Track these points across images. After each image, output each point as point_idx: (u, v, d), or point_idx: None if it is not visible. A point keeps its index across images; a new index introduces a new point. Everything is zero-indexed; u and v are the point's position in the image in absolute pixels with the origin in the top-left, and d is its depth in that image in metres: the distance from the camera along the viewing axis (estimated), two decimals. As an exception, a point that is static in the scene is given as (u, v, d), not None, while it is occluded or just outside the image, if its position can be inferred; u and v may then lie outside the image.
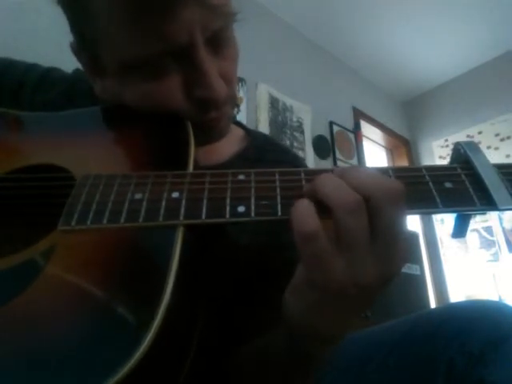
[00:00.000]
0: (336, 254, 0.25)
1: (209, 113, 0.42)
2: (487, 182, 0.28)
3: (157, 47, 0.36)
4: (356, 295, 0.26)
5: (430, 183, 0.29)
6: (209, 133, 0.44)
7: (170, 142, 0.39)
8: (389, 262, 0.26)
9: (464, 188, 0.29)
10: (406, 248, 0.27)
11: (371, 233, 0.25)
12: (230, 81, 0.43)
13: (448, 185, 0.29)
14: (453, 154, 0.33)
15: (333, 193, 0.26)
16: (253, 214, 0.29)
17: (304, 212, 0.26)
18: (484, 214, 0.29)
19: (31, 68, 0.56)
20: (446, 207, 0.28)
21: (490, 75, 2.91)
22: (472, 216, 0.30)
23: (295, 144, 2.30)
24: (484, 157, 0.30)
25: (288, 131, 2.29)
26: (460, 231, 0.31)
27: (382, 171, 0.30)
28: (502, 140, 2.73)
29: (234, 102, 0.47)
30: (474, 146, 0.31)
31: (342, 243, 0.25)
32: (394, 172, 0.30)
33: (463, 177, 0.30)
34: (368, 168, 0.29)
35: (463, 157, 0.31)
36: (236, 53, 0.45)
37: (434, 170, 0.31)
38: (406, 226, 0.26)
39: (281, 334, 0.34)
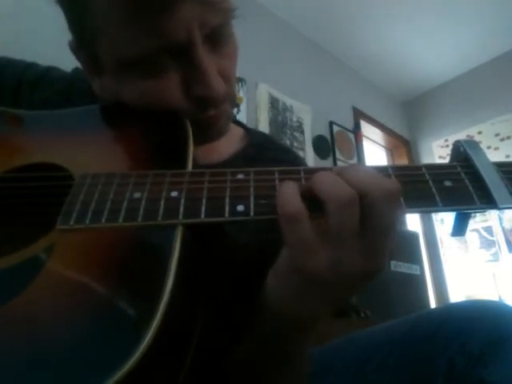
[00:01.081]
0: (322, 242, 0.26)
1: (207, 111, 0.42)
2: (487, 180, 0.28)
3: (155, 45, 0.36)
4: (337, 284, 0.27)
5: (430, 182, 0.29)
6: (208, 131, 0.44)
7: (169, 141, 0.39)
8: (374, 258, 0.26)
9: (464, 186, 0.29)
10: (392, 247, 0.27)
11: (362, 228, 0.26)
12: (229, 79, 0.43)
13: (448, 183, 0.29)
14: (452, 152, 0.33)
15: (328, 187, 0.26)
16: (252, 213, 0.29)
17: (288, 193, 0.26)
18: (484, 212, 0.29)
19: (30, 67, 0.56)
20: (446, 206, 0.28)
21: (489, 75, 2.91)
22: (471, 215, 0.30)
23: (295, 144, 2.30)
24: (484, 155, 0.30)
25: (288, 131, 2.29)
26: (459, 230, 0.31)
27: (382, 170, 0.30)
28: (502, 140, 2.73)
29: (233, 101, 0.47)
30: (473, 145, 0.31)
31: (331, 235, 0.26)
32: (393, 170, 0.30)
33: (463, 175, 0.30)
34: (367, 167, 0.29)
35: (463, 155, 0.31)
36: (235, 50, 0.45)
37: (433, 168, 0.31)
38: (398, 226, 0.27)
39: (265, 323, 0.34)
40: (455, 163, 0.31)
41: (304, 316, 0.30)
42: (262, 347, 0.36)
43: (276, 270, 0.29)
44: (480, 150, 0.31)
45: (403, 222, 2.20)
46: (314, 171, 0.30)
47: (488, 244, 2.64)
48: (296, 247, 0.26)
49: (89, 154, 0.38)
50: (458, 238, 2.81)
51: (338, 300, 0.30)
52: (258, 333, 0.35)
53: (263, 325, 0.34)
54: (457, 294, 2.72)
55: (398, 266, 1.72)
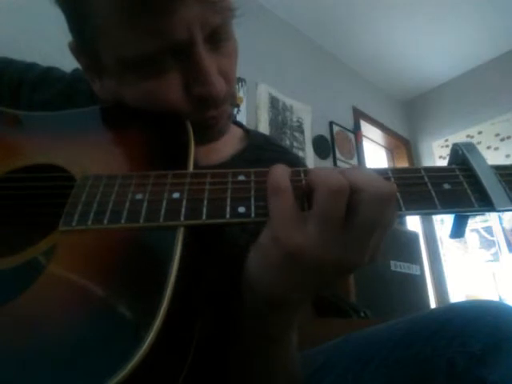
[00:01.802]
0: (304, 220, 0.27)
1: (208, 111, 0.42)
2: (485, 183, 0.29)
3: (156, 44, 0.36)
4: (311, 267, 0.27)
5: (429, 184, 0.30)
6: (208, 131, 0.44)
7: (170, 142, 0.39)
8: (352, 253, 0.27)
9: (462, 189, 0.30)
10: (378, 249, 0.28)
11: (347, 222, 0.27)
12: (230, 78, 0.43)
13: (446, 186, 0.30)
14: (451, 154, 0.33)
15: (320, 177, 0.27)
16: (253, 215, 0.29)
17: (278, 171, 0.29)
18: (482, 214, 0.29)
19: (30, 67, 0.56)
20: (445, 208, 0.29)
21: (490, 75, 2.91)
22: (470, 217, 0.30)
23: (295, 144, 2.30)
24: (482, 158, 0.31)
25: (288, 131, 2.29)
26: (458, 232, 0.31)
27: (382, 172, 0.30)
28: (502, 140, 2.73)
29: (234, 101, 0.47)
30: (471, 147, 0.32)
31: (315, 217, 0.27)
32: (393, 173, 0.31)
33: (461, 178, 0.30)
34: (367, 168, 0.29)
35: (461, 158, 0.32)
36: (235, 50, 0.45)
37: (432, 171, 0.31)
38: (386, 228, 0.28)
39: (246, 302, 0.34)
40: (454, 166, 0.31)
41: (278, 293, 0.30)
42: (245, 330, 0.36)
43: (257, 243, 0.30)
44: (478, 152, 0.31)
45: (402, 223, 2.20)
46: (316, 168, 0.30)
47: (488, 244, 2.64)
48: (278, 218, 0.27)
49: (90, 156, 0.38)
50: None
51: (312, 286, 0.30)
52: (241, 314, 0.35)
53: (244, 304, 0.34)
54: (457, 294, 2.72)
55: (398, 266, 1.72)
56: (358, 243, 0.27)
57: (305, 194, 0.29)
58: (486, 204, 0.28)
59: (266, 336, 0.35)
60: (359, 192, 0.26)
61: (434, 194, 0.29)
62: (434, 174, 0.31)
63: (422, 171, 0.31)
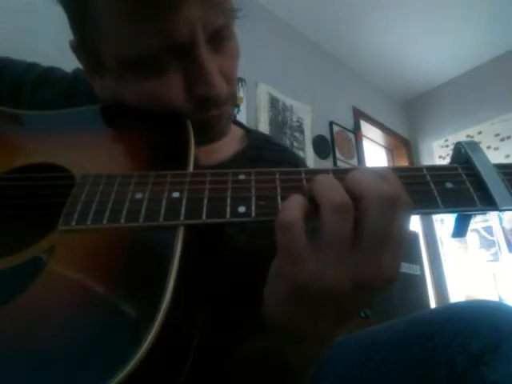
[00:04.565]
0: (311, 253, 0.26)
1: (209, 111, 0.42)
2: (488, 182, 0.28)
3: (157, 44, 0.36)
4: (323, 297, 0.26)
5: (431, 183, 0.29)
6: (209, 132, 0.44)
7: (171, 142, 0.39)
8: (368, 268, 0.25)
9: (465, 188, 0.29)
10: (395, 261, 0.26)
11: (358, 235, 0.25)
12: (231, 79, 0.43)
13: (449, 185, 0.29)
14: (453, 153, 0.33)
15: (324, 191, 0.26)
16: (253, 215, 0.29)
17: (289, 204, 0.27)
18: (484, 214, 0.29)
19: (31, 67, 0.56)
20: (447, 207, 0.28)
21: (489, 75, 2.91)
22: (472, 216, 0.30)
23: (295, 144, 2.30)
24: (485, 157, 0.30)
25: (288, 131, 2.29)
26: (460, 231, 0.31)
27: (383, 172, 0.30)
28: (502, 140, 2.73)
29: (235, 101, 0.47)
30: (474, 146, 0.31)
31: (322, 241, 0.25)
32: (394, 172, 0.30)
33: (464, 177, 0.30)
34: (369, 170, 0.28)
35: (464, 156, 0.31)
36: (237, 51, 0.45)
37: (434, 169, 0.31)
38: (400, 236, 0.26)
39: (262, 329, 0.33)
40: (456, 165, 0.31)
41: (291, 327, 0.29)
42: (259, 354, 0.35)
43: (269, 273, 0.29)
44: (481, 151, 0.31)
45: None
46: (314, 172, 0.30)
47: (488, 244, 2.64)
48: (284, 254, 0.26)
49: (90, 155, 0.38)
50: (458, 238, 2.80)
51: (334, 316, 0.29)
52: (257, 339, 0.35)
53: (261, 331, 0.34)
54: (457, 294, 2.72)
55: (398, 266, 1.72)
56: (372, 255, 0.25)
57: (309, 210, 0.27)
58: (488, 203, 0.28)
59: (283, 368, 0.34)
60: (362, 199, 0.25)
61: (436, 193, 0.29)
62: (436, 173, 0.30)
63: (425, 170, 0.30)
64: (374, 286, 0.26)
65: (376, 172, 0.28)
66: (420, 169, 0.31)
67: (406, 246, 1.85)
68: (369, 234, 0.25)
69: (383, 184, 0.26)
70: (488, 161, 0.30)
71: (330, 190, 0.26)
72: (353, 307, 0.28)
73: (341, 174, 0.29)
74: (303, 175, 0.30)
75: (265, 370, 0.36)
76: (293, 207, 0.26)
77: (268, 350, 0.34)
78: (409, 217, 0.27)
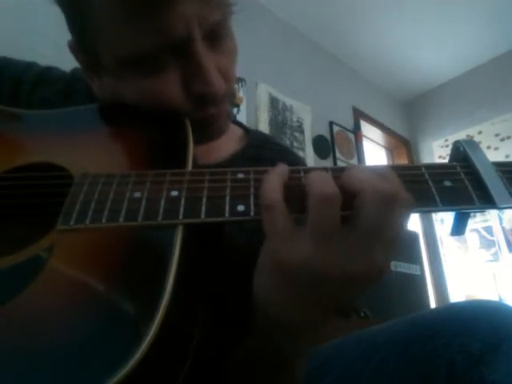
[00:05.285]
0: (299, 235, 0.26)
1: (207, 109, 0.42)
2: (486, 180, 0.28)
3: (154, 42, 0.36)
4: (314, 282, 0.26)
5: (430, 181, 0.29)
6: (207, 130, 0.44)
7: (169, 141, 0.39)
8: (362, 260, 0.25)
9: (463, 186, 0.29)
10: (386, 257, 0.26)
11: (352, 228, 0.25)
12: (229, 77, 0.43)
13: (447, 183, 0.29)
14: (452, 151, 0.33)
15: (313, 182, 0.26)
16: (252, 213, 0.29)
17: (269, 185, 0.28)
18: (483, 212, 0.29)
19: (29, 66, 0.56)
20: (446, 206, 0.28)
21: (490, 75, 2.91)
22: (471, 214, 0.30)
23: (295, 144, 2.30)
24: (483, 155, 0.30)
25: (288, 131, 2.29)
26: (459, 229, 0.31)
27: (382, 169, 0.30)
28: (502, 140, 2.73)
29: (233, 99, 0.47)
30: (473, 144, 0.31)
31: (308, 230, 0.26)
32: (393, 170, 0.30)
33: (462, 175, 0.30)
34: (367, 167, 0.28)
35: (462, 155, 0.31)
36: (234, 48, 0.45)
37: (433, 168, 0.31)
38: (395, 231, 0.26)
39: (255, 322, 0.33)
40: (455, 163, 0.31)
41: (284, 315, 0.29)
42: (252, 352, 0.35)
43: (257, 265, 0.29)
44: (479, 149, 0.31)
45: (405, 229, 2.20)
46: (313, 170, 0.30)
47: (488, 244, 2.64)
48: (272, 236, 0.27)
49: (88, 154, 0.38)
50: (457, 237, 2.80)
51: (322, 306, 0.29)
52: (252, 333, 0.35)
53: (254, 325, 0.33)
54: (457, 294, 2.72)
55: (398, 266, 1.72)
56: (363, 249, 0.25)
57: (300, 199, 0.27)
58: (487, 201, 0.28)
59: (276, 359, 0.34)
60: (358, 194, 0.25)
61: (434, 191, 0.29)
62: (434, 171, 0.30)
63: (423, 168, 0.30)
64: (363, 278, 0.26)
65: (374, 169, 0.28)
66: (418, 167, 0.31)
67: (406, 246, 1.85)
68: (362, 229, 0.25)
69: (380, 181, 0.26)
70: (486, 159, 0.30)
71: (318, 181, 0.26)
72: (344, 297, 0.28)
73: (339, 173, 0.29)
74: (302, 174, 0.30)
75: (261, 367, 0.36)
76: (274, 186, 0.27)
77: (262, 345, 0.34)
78: (407, 215, 0.27)
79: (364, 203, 0.25)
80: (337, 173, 0.29)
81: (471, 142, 0.32)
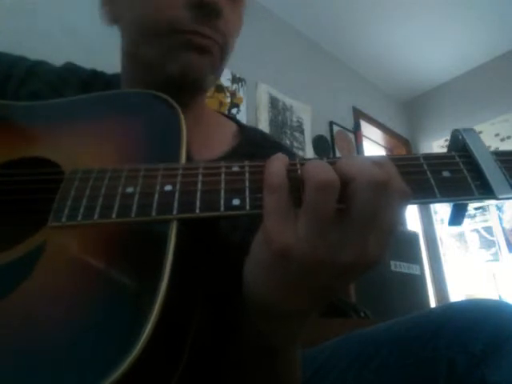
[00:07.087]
0: (296, 219, 0.26)
1: (203, 24, 0.43)
2: (486, 170, 0.28)
3: None
4: (303, 267, 0.25)
5: (428, 172, 0.29)
6: (193, 55, 0.45)
7: (162, 133, 0.39)
8: (352, 249, 0.25)
9: (462, 177, 0.28)
10: (381, 246, 0.26)
11: (345, 216, 0.25)
12: (228, 30, 0.45)
13: (446, 173, 0.29)
14: (451, 140, 0.32)
15: (310, 168, 0.26)
16: (248, 207, 0.28)
17: (275, 168, 0.28)
18: (482, 202, 0.28)
19: (18, 61, 0.55)
20: (444, 197, 0.27)
21: (490, 75, 2.91)
22: (469, 204, 0.29)
23: (295, 144, 2.30)
24: (482, 144, 0.30)
25: (288, 131, 2.29)
26: (457, 219, 0.30)
27: (378, 158, 0.29)
28: (502, 140, 2.73)
29: (226, 48, 0.48)
30: (472, 133, 0.31)
31: (304, 213, 0.25)
32: (391, 160, 0.30)
33: (461, 165, 0.29)
34: (362, 156, 0.28)
35: (461, 144, 0.31)
36: (240, 23, 0.47)
37: (431, 158, 0.30)
38: (389, 221, 0.25)
39: (244, 309, 0.33)
40: (453, 153, 0.30)
41: (273, 300, 0.29)
42: (245, 341, 0.35)
43: (251, 248, 0.29)
44: (478, 138, 0.30)
45: (402, 223, 2.19)
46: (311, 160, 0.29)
47: (488, 244, 2.64)
48: (270, 215, 0.26)
49: (79, 147, 0.37)
50: (457, 237, 2.80)
51: (311, 293, 0.28)
52: (241, 324, 0.35)
53: (244, 314, 0.33)
54: (457, 294, 2.72)
55: (398, 266, 1.72)
56: (356, 238, 0.25)
57: (297, 188, 0.27)
58: (486, 192, 0.27)
59: (266, 349, 0.34)
60: (352, 181, 0.25)
61: (433, 182, 0.28)
62: (433, 162, 0.29)
63: (421, 159, 0.30)
64: (356, 266, 0.26)
65: (370, 158, 0.28)
66: (417, 157, 0.30)
67: (406, 246, 1.84)
68: (355, 216, 0.25)
69: (375, 168, 0.25)
70: (485, 148, 0.29)
71: (315, 168, 0.26)
72: (332, 285, 0.28)
73: (334, 159, 0.28)
74: (298, 166, 0.30)
75: (251, 356, 0.36)
76: (278, 169, 0.27)
77: (250, 332, 0.34)
78: (403, 204, 0.26)
79: (357, 190, 0.25)
80: (332, 163, 0.29)
81: (470, 131, 0.31)
